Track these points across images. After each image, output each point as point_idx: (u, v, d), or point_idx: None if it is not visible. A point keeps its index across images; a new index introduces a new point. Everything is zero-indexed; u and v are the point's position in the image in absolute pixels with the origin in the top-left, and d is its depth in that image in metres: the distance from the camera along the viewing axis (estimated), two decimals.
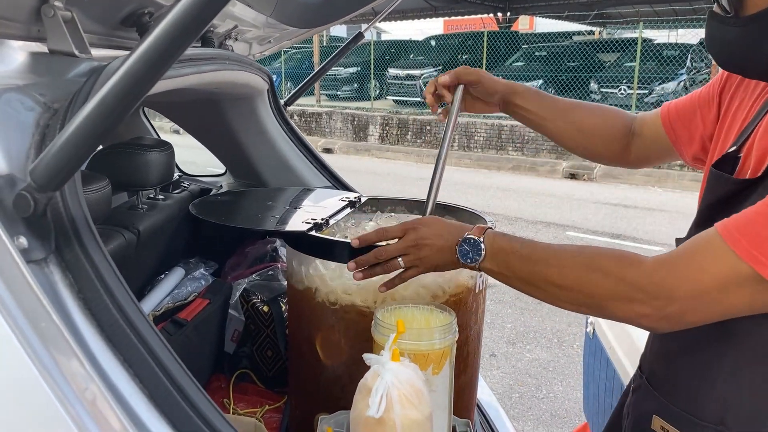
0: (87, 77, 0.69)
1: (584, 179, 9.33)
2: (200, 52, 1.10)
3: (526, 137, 10.65)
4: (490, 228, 0.99)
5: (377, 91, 14.15)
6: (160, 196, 1.69)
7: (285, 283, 1.63)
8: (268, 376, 1.67)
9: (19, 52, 0.76)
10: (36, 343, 0.52)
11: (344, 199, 1.52)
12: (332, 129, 13.10)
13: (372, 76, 13.74)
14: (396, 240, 1.03)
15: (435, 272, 1.06)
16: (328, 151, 12.22)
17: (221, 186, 1.96)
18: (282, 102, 1.82)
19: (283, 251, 1.87)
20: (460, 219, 1.47)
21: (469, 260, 0.97)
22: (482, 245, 0.96)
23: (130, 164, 1.47)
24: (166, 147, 1.56)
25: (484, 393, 1.86)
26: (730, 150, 0.97)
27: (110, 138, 1.97)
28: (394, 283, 1.05)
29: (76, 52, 0.77)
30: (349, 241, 1.10)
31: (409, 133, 11.99)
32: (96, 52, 0.93)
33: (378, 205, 1.58)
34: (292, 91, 1.87)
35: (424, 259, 1.00)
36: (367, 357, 0.88)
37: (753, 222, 0.79)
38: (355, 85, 14.48)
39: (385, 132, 12.33)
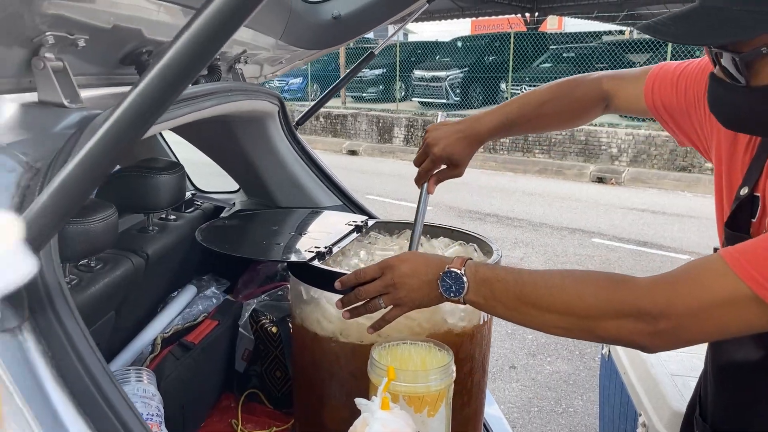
0: (74, 130, 0.69)
1: (612, 183, 9.18)
2: (198, 89, 1.10)
3: (553, 140, 10.50)
4: (470, 259, 0.97)
5: (402, 93, 14.11)
6: (172, 216, 1.70)
7: None
8: (277, 396, 1.67)
9: (8, 105, 0.77)
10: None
11: (351, 223, 1.51)
12: (357, 131, 13.12)
13: (398, 77, 13.70)
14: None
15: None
16: (353, 153, 12.24)
17: (234, 204, 1.97)
18: (293, 122, 1.82)
19: None
20: (466, 245, 1.46)
21: (452, 294, 0.95)
22: (464, 278, 0.94)
23: (139, 187, 1.49)
24: (177, 169, 1.57)
25: (496, 412, 1.83)
26: (743, 192, 0.95)
27: (123, 159, 1.99)
28: (380, 324, 1.04)
29: (66, 103, 0.77)
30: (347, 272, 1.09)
31: None
32: (95, 92, 0.94)
33: (386, 228, 1.57)
34: (303, 113, 1.88)
35: (404, 298, 0.99)
36: (359, 402, 0.87)
37: (755, 247, 0.80)
38: (381, 86, 14.46)
39: (410, 134, 12.30)
